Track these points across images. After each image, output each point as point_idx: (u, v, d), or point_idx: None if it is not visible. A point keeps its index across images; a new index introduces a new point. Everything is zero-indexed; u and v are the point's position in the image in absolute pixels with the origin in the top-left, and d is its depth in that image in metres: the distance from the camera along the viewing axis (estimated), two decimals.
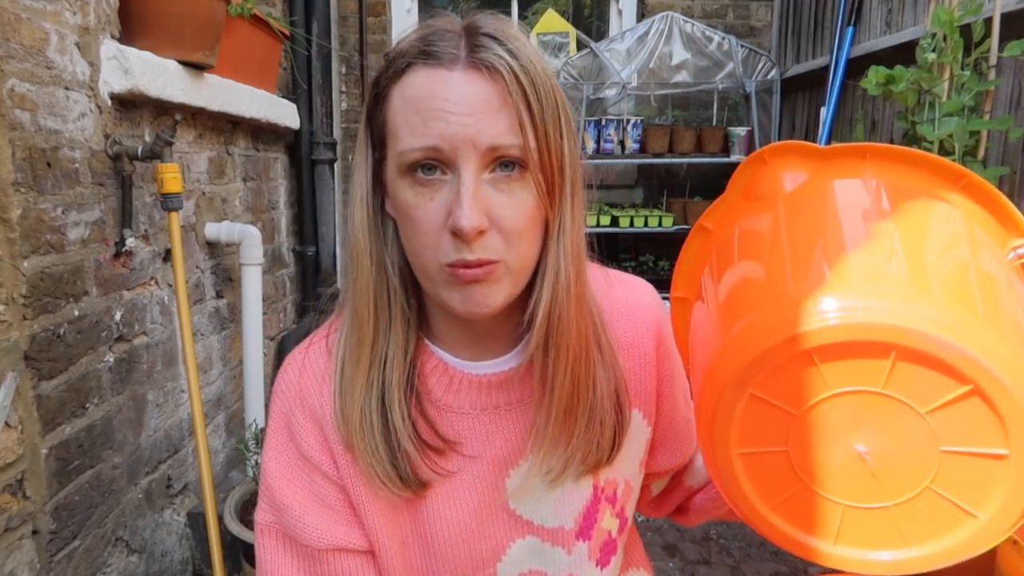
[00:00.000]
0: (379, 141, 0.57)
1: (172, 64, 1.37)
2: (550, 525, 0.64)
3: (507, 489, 0.63)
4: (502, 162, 0.53)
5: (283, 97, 2.15)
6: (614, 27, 3.32)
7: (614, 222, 2.92)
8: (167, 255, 1.47)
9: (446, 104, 0.51)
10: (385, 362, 0.59)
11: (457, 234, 0.51)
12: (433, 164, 0.53)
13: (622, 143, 2.91)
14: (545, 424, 0.60)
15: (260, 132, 2.07)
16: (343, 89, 3.01)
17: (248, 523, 1.40)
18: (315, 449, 0.61)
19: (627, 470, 0.68)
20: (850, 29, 2.48)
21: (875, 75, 1.73)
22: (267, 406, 1.76)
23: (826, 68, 2.59)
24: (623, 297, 0.68)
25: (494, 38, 0.53)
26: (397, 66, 0.54)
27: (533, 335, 0.57)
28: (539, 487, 0.63)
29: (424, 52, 0.53)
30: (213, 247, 1.72)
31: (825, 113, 2.54)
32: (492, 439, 0.63)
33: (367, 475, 0.59)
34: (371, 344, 0.59)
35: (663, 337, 0.68)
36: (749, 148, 2.90)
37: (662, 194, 3.25)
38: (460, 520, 0.62)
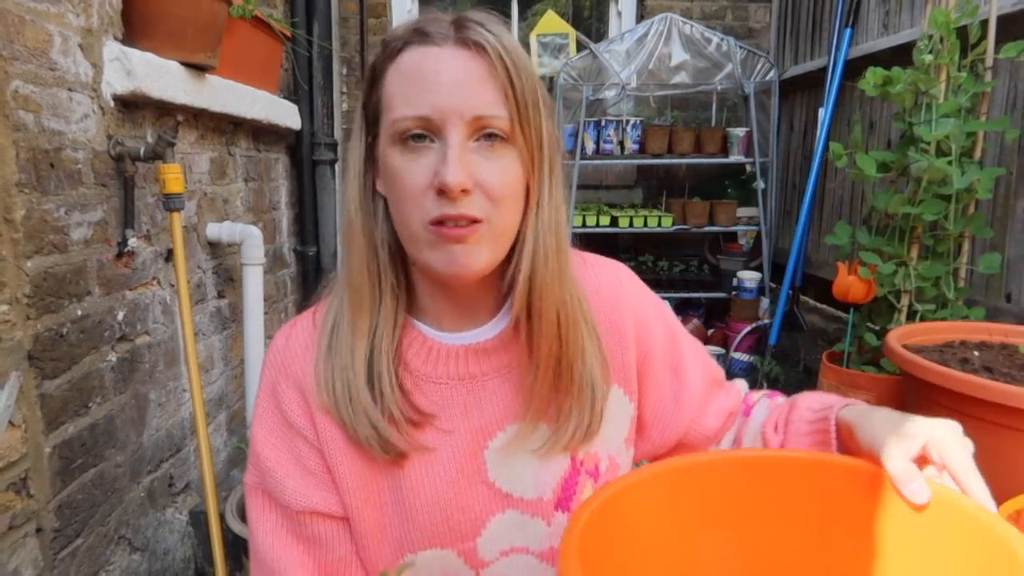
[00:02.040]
0: (373, 120, 0.61)
1: (174, 65, 1.38)
2: (529, 496, 0.65)
3: (486, 460, 0.65)
4: (486, 132, 0.57)
5: (284, 98, 2.16)
6: (613, 28, 3.33)
7: (613, 222, 2.93)
8: (169, 255, 1.48)
9: (437, 76, 0.56)
10: (375, 333, 0.62)
11: (443, 191, 0.55)
12: (422, 133, 0.56)
13: (621, 144, 2.92)
14: (531, 390, 0.63)
15: (261, 133, 2.08)
16: (344, 90, 3.02)
17: None
18: (297, 415, 0.64)
19: (610, 446, 0.69)
20: (848, 30, 2.49)
21: (873, 76, 1.74)
22: None
23: (824, 69, 2.60)
24: (600, 275, 0.71)
25: (480, 24, 0.58)
26: (392, 47, 0.59)
27: (515, 299, 0.60)
28: (519, 458, 0.64)
29: (417, 32, 0.58)
30: (214, 247, 1.73)
31: (823, 114, 2.55)
32: (469, 411, 0.65)
33: (349, 438, 0.62)
34: (368, 313, 0.62)
35: (642, 315, 0.71)
36: (748, 148, 2.91)
37: (661, 194, 3.26)
38: (438, 489, 0.64)
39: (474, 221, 0.56)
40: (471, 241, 0.57)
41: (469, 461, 0.64)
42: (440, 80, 0.56)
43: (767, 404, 0.74)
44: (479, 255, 0.58)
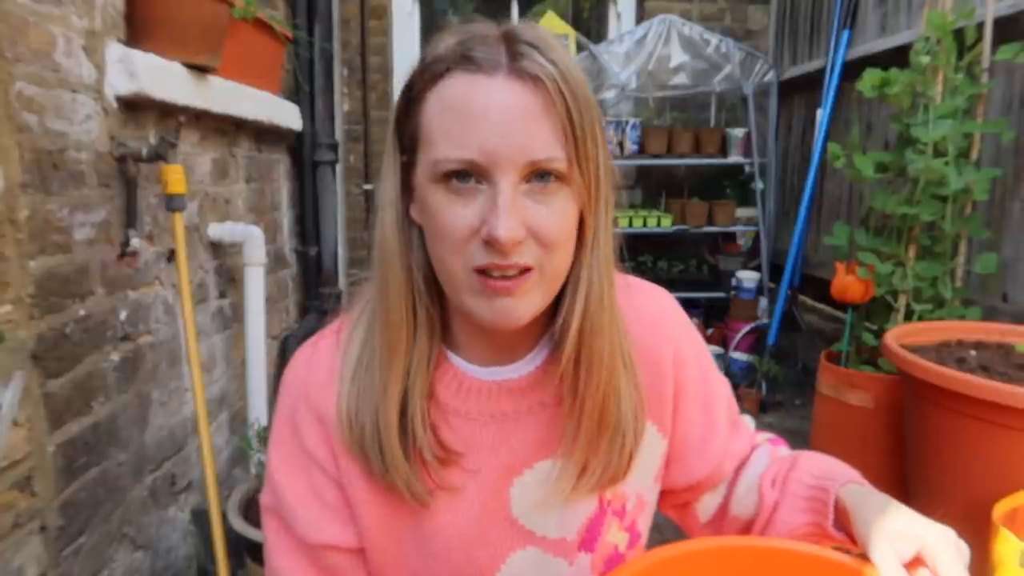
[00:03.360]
0: (409, 146, 0.55)
1: (176, 67, 1.38)
2: (553, 536, 0.63)
3: (511, 499, 0.62)
4: (540, 172, 0.51)
5: (286, 99, 2.17)
6: (613, 30, 3.34)
7: (613, 223, 2.94)
8: (171, 255, 1.49)
9: (486, 113, 0.50)
10: (409, 371, 0.58)
11: (492, 244, 0.50)
12: (468, 173, 0.51)
13: (621, 144, 2.93)
14: (575, 434, 0.59)
15: (263, 134, 2.08)
16: (345, 91, 3.02)
17: (251, 520, 1.42)
18: (316, 446, 0.61)
19: (639, 484, 0.66)
20: (846, 32, 2.50)
21: (870, 78, 1.75)
22: (270, 405, 1.78)
23: (822, 71, 2.61)
24: (643, 305, 0.66)
25: (534, 46, 0.51)
26: (435, 70, 0.52)
27: (566, 345, 0.56)
28: (545, 497, 0.62)
29: (464, 57, 0.51)
30: (216, 247, 1.74)
31: (821, 115, 2.56)
32: (497, 448, 0.61)
33: (372, 474, 0.59)
34: (403, 350, 0.58)
35: (681, 351, 0.66)
36: (746, 149, 2.92)
37: (660, 195, 3.27)
38: (460, 526, 0.62)
39: (525, 270, 0.52)
40: (519, 293, 0.52)
41: (494, 498, 0.62)
42: (490, 119, 0.49)
43: (768, 452, 0.72)
44: (527, 306, 0.53)
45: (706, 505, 0.72)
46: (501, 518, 0.62)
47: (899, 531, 0.53)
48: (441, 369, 0.61)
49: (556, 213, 0.52)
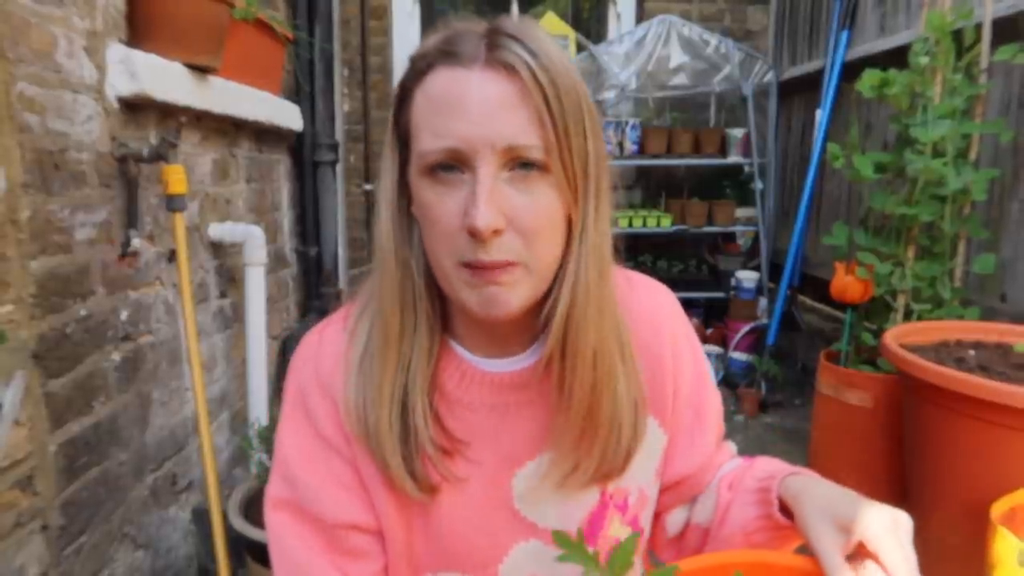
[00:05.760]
0: (403, 142, 0.58)
1: (177, 67, 1.39)
2: (554, 529, 0.63)
3: (513, 489, 0.63)
4: (521, 162, 0.53)
5: (286, 99, 2.18)
6: (612, 30, 3.35)
7: (613, 223, 2.95)
8: (172, 255, 1.49)
9: (465, 103, 0.51)
10: (409, 365, 0.59)
11: (473, 234, 0.51)
12: (452, 164, 0.53)
13: (621, 145, 2.94)
14: (564, 428, 0.60)
15: (263, 134, 2.09)
16: (345, 91, 3.03)
17: (251, 520, 1.42)
18: (331, 429, 0.61)
19: (642, 478, 0.67)
20: (845, 33, 2.50)
21: (869, 78, 1.75)
22: (271, 405, 1.78)
23: (822, 71, 2.61)
24: (642, 299, 0.67)
25: (514, 38, 0.53)
26: (419, 67, 0.55)
27: (549, 338, 0.57)
28: (546, 490, 0.62)
29: (445, 52, 0.54)
30: (217, 247, 1.74)
31: (821, 115, 2.57)
32: (500, 437, 0.63)
33: (383, 473, 0.60)
34: (397, 345, 0.59)
35: (679, 347, 0.67)
36: (746, 149, 2.93)
37: (660, 195, 3.28)
38: (464, 517, 0.62)
39: (508, 264, 0.53)
40: (507, 283, 0.54)
41: (496, 489, 0.63)
42: (468, 108, 0.51)
43: (736, 462, 0.72)
44: (515, 296, 0.54)
45: (675, 519, 0.72)
46: (504, 509, 0.63)
47: (840, 520, 0.52)
48: (445, 360, 0.62)
49: (536, 202, 0.53)
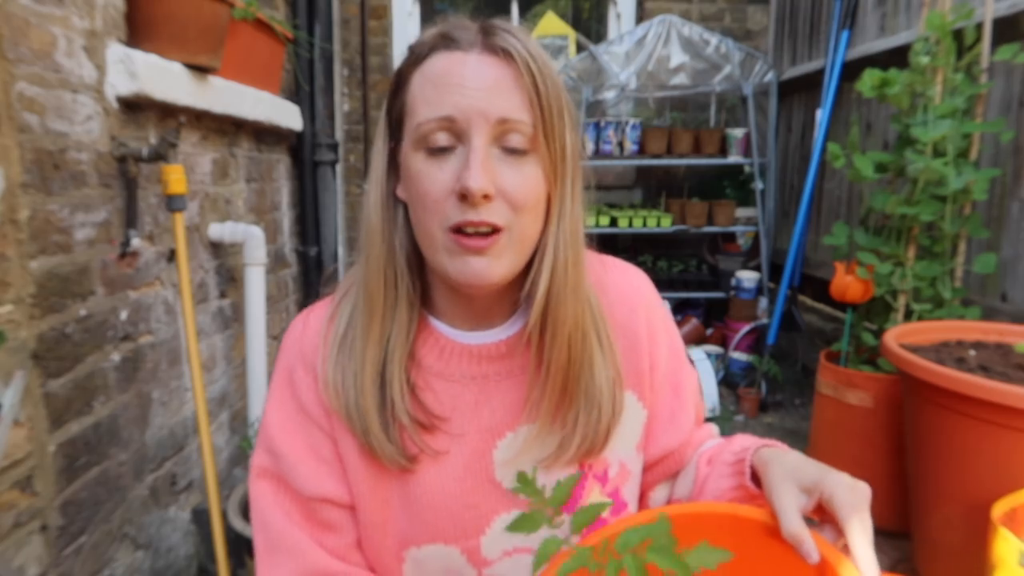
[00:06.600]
0: (396, 125, 0.61)
1: (177, 67, 1.39)
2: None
3: (494, 460, 0.65)
4: (509, 146, 0.57)
5: (286, 99, 2.17)
6: (613, 30, 3.35)
7: (613, 223, 2.95)
8: (171, 255, 1.49)
9: (462, 80, 0.56)
10: (389, 339, 0.63)
11: (465, 195, 0.55)
12: (447, 146, 0.56)
13: (621, 144, 2.94)
14: (540, 398, 0.63)
15: (263, 134, 2.09)
16: (345, 91, 3.03)
17: (251, 520, 1.42)
18: (313, 403, 0.64)
19: (622, 452, 0.69)
20: (845, 33, 2.50)
21: (870, 78, 1.75)
22: None
23: (822, 71, 2.61)
24: (616, 281, 0.71)
25: (507, 31, 0.58)
26: (418, 52, 0.59)
27: (532, 311, 0.60)
28: (526, 461, 0.64)
29: (444, 37, 0.58)
30: (217, 247, 1.74)
31: (821, 115, 2.57)
32: (479, 409, 0.65)
33: (360, 444, 0.62)
34: (380, 321, 0.62)
35: (654, 325, 0.70)
36: (746, 149, 2.92)
37: (660, 195, 3.28)
38: (445, 489, 0.64)
39: (495, 229, 0.56)
40: (491, 253, 0.57)
41: (477, 460, 0.65)
42: (465, 84, 0.56)
43: (716, 440, 0.75)
44: (498, 266, 0.58)
45: (658, 495, 0.75)
46: (484, 480, 0.65)
47: (803, 483, 0.54)
48: (424, 334, 0.66)
49: (524, 177, 0.58)
